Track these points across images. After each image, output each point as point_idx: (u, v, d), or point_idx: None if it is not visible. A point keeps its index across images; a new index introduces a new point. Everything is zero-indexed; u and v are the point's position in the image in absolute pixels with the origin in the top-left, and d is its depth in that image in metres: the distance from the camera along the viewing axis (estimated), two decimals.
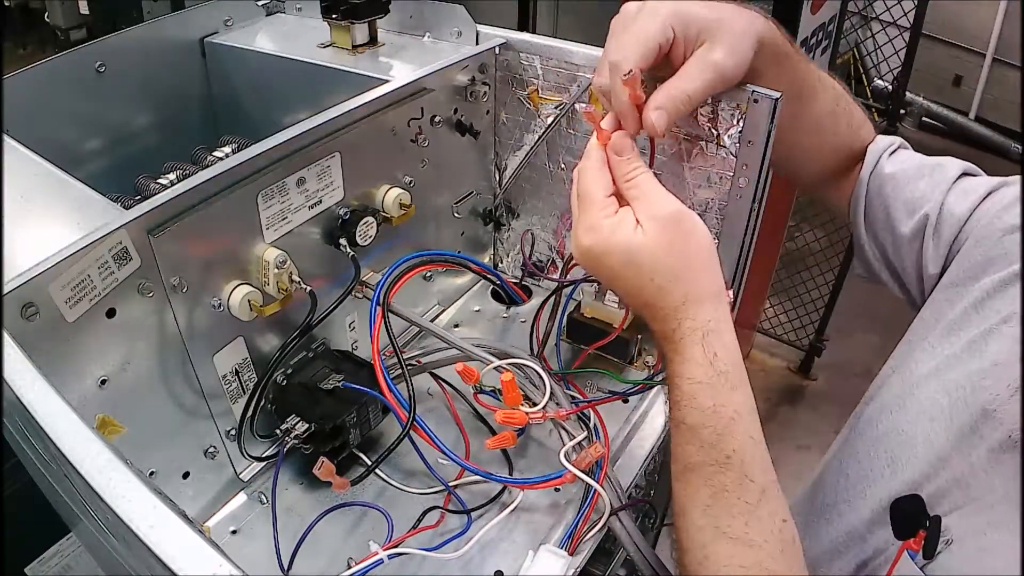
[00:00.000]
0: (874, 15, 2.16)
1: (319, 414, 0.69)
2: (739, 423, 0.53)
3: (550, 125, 0.88)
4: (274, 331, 0.71)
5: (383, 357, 0.67)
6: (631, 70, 0.54)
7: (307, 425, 0.68)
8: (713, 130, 0.77)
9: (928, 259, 0.67)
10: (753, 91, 0.73)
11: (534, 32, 1.44)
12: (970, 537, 0.52)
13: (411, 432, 0.65)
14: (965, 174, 0.69)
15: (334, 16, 0.89)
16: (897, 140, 0.74)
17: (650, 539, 0.68)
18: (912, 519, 0.56)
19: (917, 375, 0.63)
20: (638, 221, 0.54)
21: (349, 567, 0.63)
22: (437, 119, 0.82)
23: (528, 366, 0.69)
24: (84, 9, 2.71)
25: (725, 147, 0.77)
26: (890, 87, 2.12)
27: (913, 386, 0.62)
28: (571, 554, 0.65)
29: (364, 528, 0.70)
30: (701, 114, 0.77)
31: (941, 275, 0.66)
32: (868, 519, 0.61)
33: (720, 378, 0.53)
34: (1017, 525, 0.49)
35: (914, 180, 0.70)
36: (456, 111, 0.85)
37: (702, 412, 0.53)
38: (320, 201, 0.70)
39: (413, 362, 0.76)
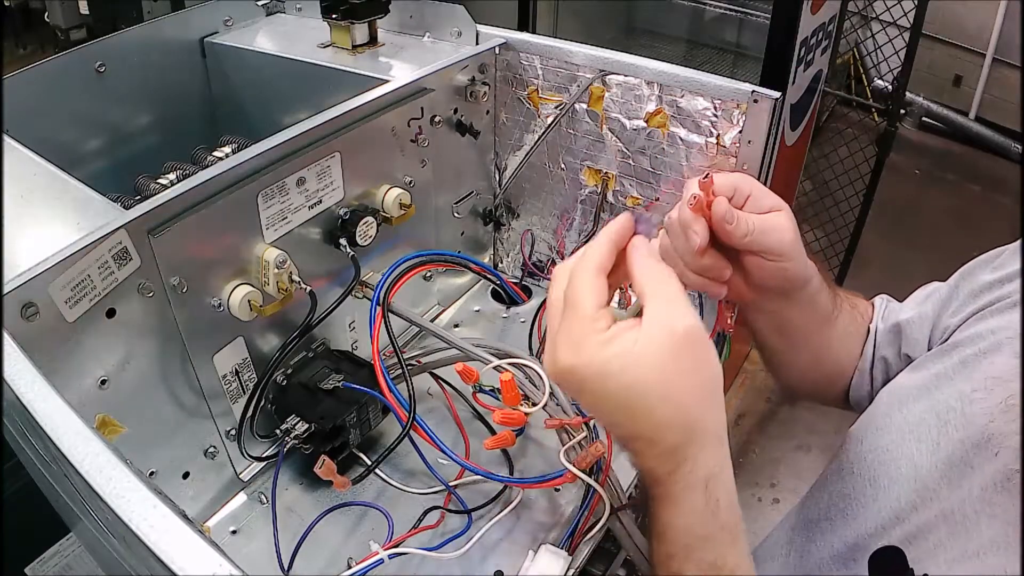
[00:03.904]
0: (874, 15, 2.16)
1: (319, 414, 0.69)
2: None
3: (550, 125, 0.88)
4: (274, 331, 0.71)
5: (383, 357, 0.67)
6: (708, 174, 0.55)
7: (307, 425, 0.68)
8: (713, 130, 0.77)
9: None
10: (753, 91, 0.73)
11: (534, 32, 1.44)
12: None
13: (411, 432, 0.65)
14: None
15: (334, 16, 0.89)
16: (882, 305, 0.73)
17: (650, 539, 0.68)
18: None
19: (904, 391, 0.61)
20: (640, 333, 0.45)
21: (349, 567, 0.63)
22: (437, 119, 0.82)
23: (528, 366, 0.69)
24: (84, 9, 2.71)
25: (725, 147, 0.77)
26: (890, 87, 2.12)
27: (899, 403, 0.60)
28: (571, 554, 0.65)
29: (364, 528, 0.70)
30: (702, 115, 0.77)
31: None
32: (852, 543, 0.59)
33: (723, 532, 0.47)
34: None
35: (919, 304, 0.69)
36: (456, 111, 0.85)
37: (699, 566, 0.47)
38: (320, 201, 0.70)
39: (413, 362, 0.76)
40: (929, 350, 0.65)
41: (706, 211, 0.55)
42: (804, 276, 0.62)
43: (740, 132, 0.75)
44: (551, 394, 0.67)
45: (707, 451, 0.47)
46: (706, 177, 0.55)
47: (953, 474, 0.53)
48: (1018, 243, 0.61)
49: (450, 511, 0.70)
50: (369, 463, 0.69)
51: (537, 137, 0.90)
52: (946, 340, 0.62)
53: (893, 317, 0.70)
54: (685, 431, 0.46)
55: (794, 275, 0.61)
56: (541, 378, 0.68)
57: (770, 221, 0.58)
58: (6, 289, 0.48)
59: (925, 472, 0.55)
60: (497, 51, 0.86)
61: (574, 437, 0.65)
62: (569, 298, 0.48)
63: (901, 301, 0.74)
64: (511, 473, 0.74)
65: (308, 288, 0.66)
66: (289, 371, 0.73)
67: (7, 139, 0.67)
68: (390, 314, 0.70)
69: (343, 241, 0.72)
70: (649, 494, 0.50)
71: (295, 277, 0.66)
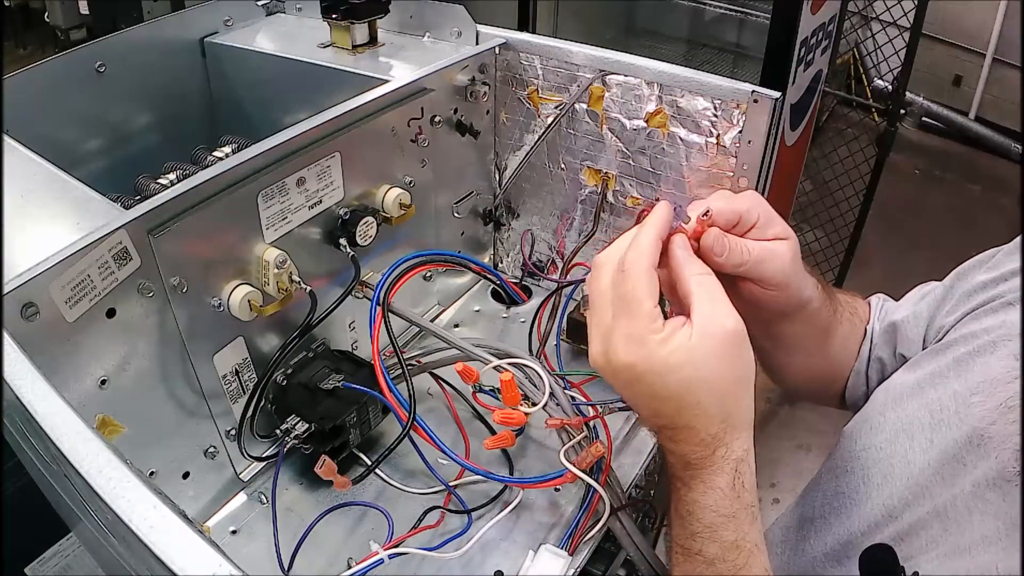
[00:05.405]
0: (874, 15, 2.16)
1: (319, 414, 0.69)
2: (757, 556, 0.50)
3: (550, 125, 0.88)
4: (274, 331, 0.71)
5: (383, 357, 0.67)
6: (708, 211, 0.55)
7: (307, 425, 0.68)
8: (713, 130, 0.77)
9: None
10: (753, 91, 0.73)
11: (534, 32, 1.44)
12: None
13: (411, 432, 0.65)
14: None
15: (334, 16, 0.89)
16: (879, 303, 0.73)
17: (650, 539, 0.68)
18: (884, 574, 0.53)
19: (899, 390, 0.61)
20: (693, 330, 0.49)
21: (349, 567, 0.63)
22: (437, 119, 0.82)
23: (528, 366, 0.69)
24: (84, 9, 2.71)
25: (725, 147, 0.77)
26: (890, 87, 2.12)
27: (894, 401, 0.61)
28: (571, 554, 0.65)
29: (364, 528, 0.70)
30: (702, 115, 0.77)
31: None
32: (845, 541, 0.59)
33: (745, 512, 0.50)
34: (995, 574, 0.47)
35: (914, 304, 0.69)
36: (456, 111, 0.85)
37: (723, 546, 0.50)
38: (320, 201, 0.70)
39: (413, 362, 0.76)
40: (924, 349, 0.65)
41: (695, 243, 0.55)
42: (801, 301, 0.62)
43: (740, 132, 0.75)
44: (551, 394, 0.67)
45: (740, 438, 0.51)
46: (706, 214, 0.55)
47: (946, 471, 0.53)
48: (1012, 243, 0.61)
49: (450, 511, 0.70)
50: (369, 463, 0.68)
51: (537, 137, 0.90)
52: (941, 339, 0.62)
53: (889, 317, 0.70)
54: (725, 420, 0.50)
55: (789, 302, 0.61)
56: (541, 378, 0.68)
57: (770, 250, 0.57)
58: (6, 289, 0.48)
59: (918, 470, 0.55)
60: (497, 51, 0.86)
61: (574, 437, 0.65)
62: (628, 296, 0.50)
63: (899, 300, 0.74)
64: (511, 473, 0.74)
65: (308, 288, 0.66)
66: (289, 371, 0.73)
67: (7, 139, 0.67)
68: (390, 314, 0.70)
69: (343, 241, 0.72)
70: (675, 475, 0.53)
71: (295, 277, 0.66)
